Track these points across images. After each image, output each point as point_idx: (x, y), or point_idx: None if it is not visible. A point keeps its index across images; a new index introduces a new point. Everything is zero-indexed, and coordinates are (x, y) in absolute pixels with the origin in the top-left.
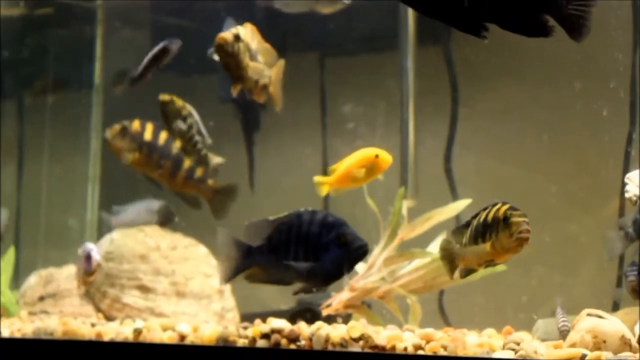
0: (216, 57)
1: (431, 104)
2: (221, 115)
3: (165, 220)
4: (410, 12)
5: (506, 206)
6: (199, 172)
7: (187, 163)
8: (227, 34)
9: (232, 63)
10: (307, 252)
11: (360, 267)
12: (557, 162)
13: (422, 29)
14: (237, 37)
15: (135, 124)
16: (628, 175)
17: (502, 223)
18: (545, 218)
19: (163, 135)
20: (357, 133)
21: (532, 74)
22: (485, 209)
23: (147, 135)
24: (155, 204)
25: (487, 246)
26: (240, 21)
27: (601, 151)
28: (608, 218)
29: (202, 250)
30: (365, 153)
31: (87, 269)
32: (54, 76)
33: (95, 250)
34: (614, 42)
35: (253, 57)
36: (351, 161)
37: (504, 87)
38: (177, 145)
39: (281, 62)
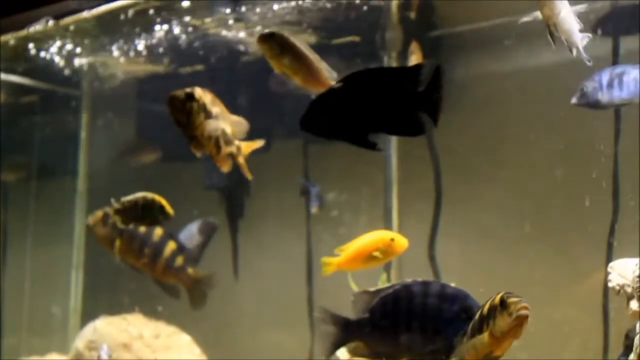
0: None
1: (415, 190)
2: (205, 202)
3: (210, 233)
4: None
5: (502, 293)
6: (179, 260)
7: (167, 251)
8: (179, 91)
9: (182, 120)
10: (425, 325)
11: (343, 353)
12: (540, 251)
13: None
14: (189, 96)
15: None
16: (611, 264)
17: (500, 307)
18: (529, 305)
19: None
20: (340, 220)
21: (515, 163)
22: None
23: None
24: (193, 227)
25: (485, 336)
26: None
27: (584, 240)
28: (591, 306)
29: (185, 338)
30: (381, 235)
31: None
32: (39, 163)
33: (105, 350)
34: (596, 133)
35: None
36: (363, 242)
37: (487, 174)
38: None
39: (259, 142)
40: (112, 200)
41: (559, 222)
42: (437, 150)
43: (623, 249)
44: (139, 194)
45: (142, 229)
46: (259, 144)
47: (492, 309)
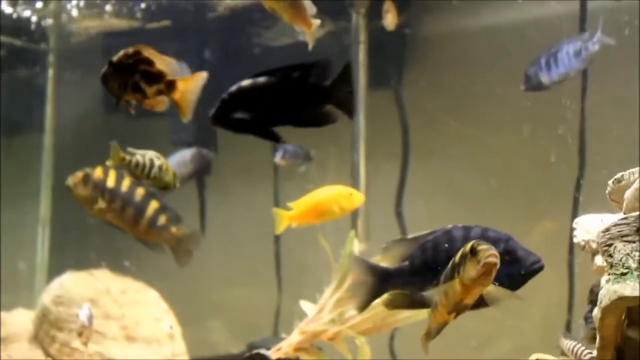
0: None
1: (382, 147)
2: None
3: (203, 168)
4: (362, 56)
5: (473, 241)
6: (162, 219)
7: (150, 210)
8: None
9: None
10: None
11: (310, 309)
12: (506, 206)
13: (373, 73)
14: (110, 63)
15: (98, 171)
16: (576, 220)
17: (469, 255)
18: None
19: (126, 182)
20: (308, 177)
21: (482, 119)
22: None
23: (110, 182)
24: (187, 154)
25: (455, 283)
26: (190, 64)
27: (549, 196)
28: (556, 261)
29: (152, 294)
30: (338, 190)
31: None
32: (5, 118)
33: (86, 311)
34: (563, 89)
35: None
36: (318, 197)
37: (454, 131)
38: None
39: (202, 74)
40: (114, 144)
41: (525, 178)
42: (405, 108)
43: (589, 205)
44: (151, 153)
45: (124, 188)
46: (199, 76)
47: (463, 257)
